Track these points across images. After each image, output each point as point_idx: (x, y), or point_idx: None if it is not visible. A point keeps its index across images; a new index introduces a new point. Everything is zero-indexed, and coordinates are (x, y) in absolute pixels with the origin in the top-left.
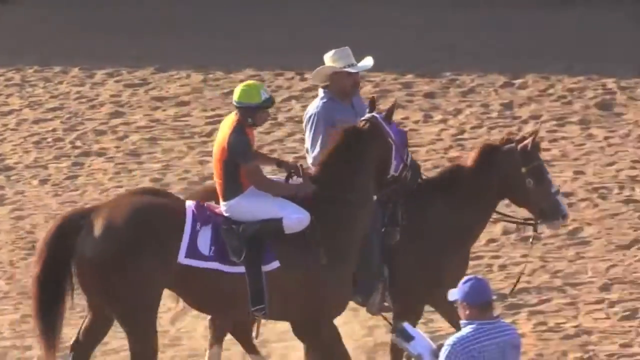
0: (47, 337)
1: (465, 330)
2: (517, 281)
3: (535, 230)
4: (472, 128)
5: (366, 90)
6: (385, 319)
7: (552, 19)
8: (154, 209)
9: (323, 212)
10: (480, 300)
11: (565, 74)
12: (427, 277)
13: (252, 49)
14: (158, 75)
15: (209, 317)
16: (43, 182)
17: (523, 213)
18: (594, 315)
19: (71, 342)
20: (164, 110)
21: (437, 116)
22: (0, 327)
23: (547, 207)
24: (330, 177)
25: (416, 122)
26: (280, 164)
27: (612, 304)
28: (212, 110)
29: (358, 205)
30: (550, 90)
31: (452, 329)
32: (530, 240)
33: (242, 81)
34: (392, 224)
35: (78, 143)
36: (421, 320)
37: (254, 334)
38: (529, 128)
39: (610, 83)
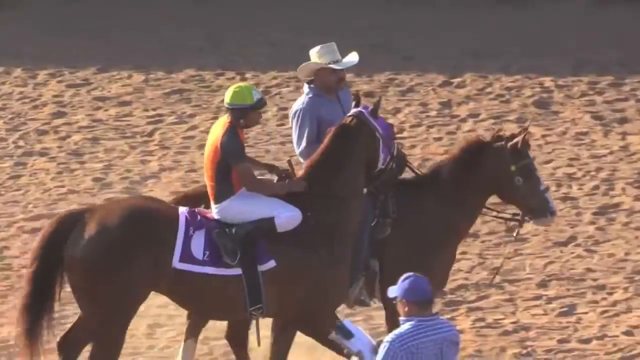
0: (29, 335)
1: (404, 326)
2: (496, 273)
3: (520, 226)
4: (411, 127)
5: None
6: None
7: (490, 18)
8: (146, 213)
9: (316, 209)
10: (420, 298)
11: (503, 73)
12: (416, 272)
13: (194, 49)
14: (100, 76)
15: (150, 315)
16: None
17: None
18: (532, 312)
19: (57, 341)
20: (106, 110)
21: None
22: None
23: (535, 205)
24: (320, 174)
25: None
26: (271, 168)
27: (550, 300)
28: (154, 110)
29: (349, 199)
30: (488, 89)
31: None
32: (514, 235)
33: (183, 81)
34: (382, 216)
35: (21, 143)
36: (362, 317)
37: (254, 341)
38: (467, 126)
39: (548, 82)
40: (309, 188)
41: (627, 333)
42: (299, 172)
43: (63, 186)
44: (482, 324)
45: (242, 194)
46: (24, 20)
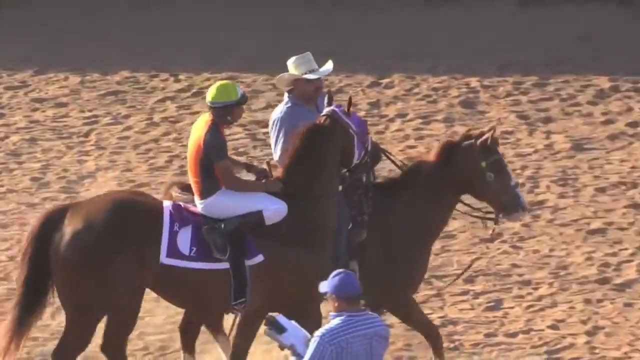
0: (18, 328)
1: (334, 321)
2: (467, 269)
3: (496, 223)
4: None
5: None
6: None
7: (417, 19)
8: (130, 208)
9: (295, 207)
10: (348, 293)
11: (430, 74)
12: (393, 272)
13: (128, 51)
14: (37, 78)
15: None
16: None
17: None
18: (459, 307)
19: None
20: (43, 111)
21: None
22: None
23: (507, 201)
24: (296, 174)
25: None
26: (249, 168)
27: (477, 295)
28: (90, 111)
29: (326, 197)
30: (416, 90)
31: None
32: (490, 233)
33: (118, 82)
34: (358, 214)
35: None
36: None
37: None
38: (395, 126)
39: (474, 82)
40: (286, 188)
41: (552, 327)
42: (276, 172)
43: (2, 185)
44: None
45: (228, 190)
46: None
